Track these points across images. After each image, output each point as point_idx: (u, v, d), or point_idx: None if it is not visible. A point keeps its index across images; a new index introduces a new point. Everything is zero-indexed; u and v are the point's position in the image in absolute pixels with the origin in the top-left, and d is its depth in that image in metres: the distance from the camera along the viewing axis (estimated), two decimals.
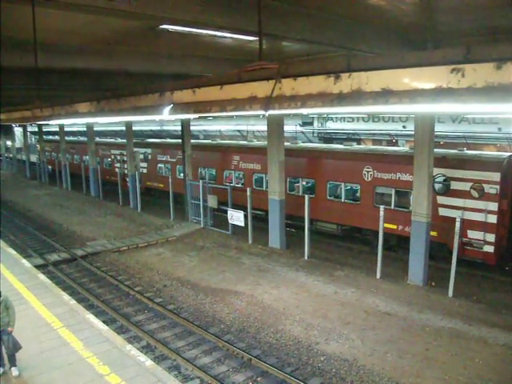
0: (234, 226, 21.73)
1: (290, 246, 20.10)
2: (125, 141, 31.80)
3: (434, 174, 16.18)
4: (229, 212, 21.35)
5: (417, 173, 15.27)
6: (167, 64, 16.56)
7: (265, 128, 23.18)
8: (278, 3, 10.16)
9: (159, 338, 12.18)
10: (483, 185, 15.90)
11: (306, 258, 18.37)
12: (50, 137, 55.94)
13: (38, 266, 16.75)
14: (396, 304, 13.88)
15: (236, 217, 20.84)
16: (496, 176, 15.71)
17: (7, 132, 59.72)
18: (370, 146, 27.90)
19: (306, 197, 18.23)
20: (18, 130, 60.78)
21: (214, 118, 40.29)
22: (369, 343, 11.58)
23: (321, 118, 37.38)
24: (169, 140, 35.66)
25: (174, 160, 29.77)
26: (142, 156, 32.89)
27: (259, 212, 22.59)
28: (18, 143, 62.01)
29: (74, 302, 12.74)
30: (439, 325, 12.49)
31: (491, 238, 15.82)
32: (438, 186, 16.93)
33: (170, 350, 11.44)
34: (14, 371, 8.82)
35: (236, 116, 36.27)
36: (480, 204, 15.95)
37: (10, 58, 13.85)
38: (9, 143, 63.58)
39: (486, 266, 16.42)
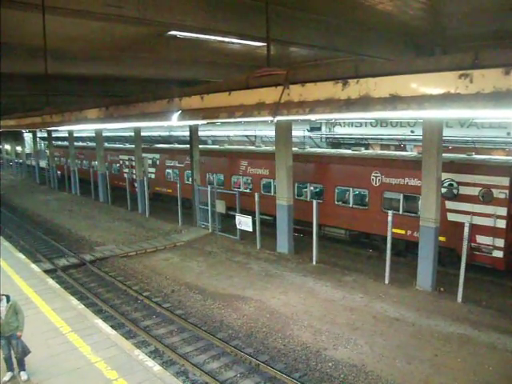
0: (242, 231, 21.73)
1: (298, 251, 20.07)
2: (133, 146, 31.97)
3: (443, 179, 16.12)
4: (237, 217, 21.36)
5: (425, 178, 15.23)
6: (175, 70, 16.65)
7: (273, 133, 23.23)
8: (285, 9, 10.20)
9: (167, 343, 12.19)
10: (492, 189, 15.82)
11: (314, 263, 18.33)
12: (59, 142, 56.26)
13: (46, 271, 16.88)
14: (404, 309, 13.82)
15: (244, 222, 20.84)
16: (505, 181, 15.63)
17: (17, 138, 60.19)
18: (378, 151, 27.82)
19: (314, 202, 18.22)
20: (27, 136, 61.22)
21: (222, 123, 40.35)
22: (377, 349, 11.54)
23: (329, 123, 37.31)
24: (177, 145, 35.76)
25: (182, 165, 29.88)
26: (150, 161, 33.04)
27: (267, 217, 22.60)
28: (28, 149, 62.45)
29: (83, 306, 12.82)
30: (448, 330, 12.41)
31: (500, 243, 15.72)
32: (446, 191, 16.86)
33: (178, 355, 11.44)
34: (23, 375, 8.88)
35: (244, 122, 36.34)
36: (489, 209, 15.87)
37: (19, 65, 13.99)
38: (19, 149, 64.05)
39: (496, 271, 16.31)
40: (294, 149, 21.15)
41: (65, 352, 9.97)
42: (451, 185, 16.85)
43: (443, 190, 16.51)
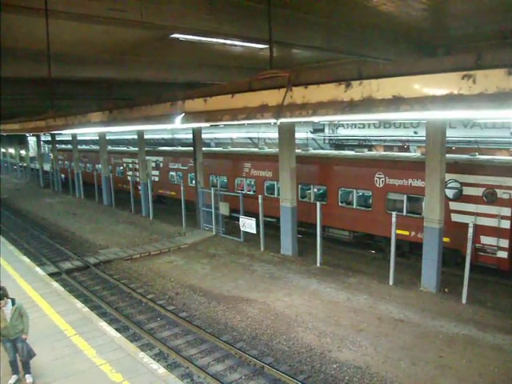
0: (245, 233, 21.73)
1: (302, 253, 20.06)
2: (137, 149, 32.02)
3: (446, 180, 16.08)
4: (241, 219, 21.37)
5: (429, 178, 15.20)
6: (178, 73, 16.67)
7: (276, 135, 23.22)
8: (288, 11, 10.21)
9: (172, 346, 12.19)
10: (496, 190, 15.78)
11: (318, 264, 18.31)
12: (63, 146, 56.43)
13: (51, 274, 16.89)
14: (409, 311, 13.78)
15: (248, 224, 20.84)
16: (509, 181, 15.57)
17: (21, 141, 60.34)
18: (382, 152, 27.79)
19: (318, 203, 18.20)
20: (31, 140, 61.36)
21: (226, 125, 40.35)
22: (382, 350, 11.51)
23: (332, 125, 37.32)
24: (180, 148, 35.82)
25: (186, 168, 29.90)
26: (153, 164, 33.10)
27: (271, 219, 22.59)
28: (32, 152, 62.57)
29: (87, 309, 12.83)
30: (453, 331, 12.38)
31: (505, 243, 15.67)
32: (450, 192, 16.81)
33: (183, 358, 11.44)
34: (28, 378, 8.89)
35: (247, 124, 36.35)
36: (493, 209, 15.82)
37: (23, 69, 14.04)
38: (23, 152, 64.19)
39: (500, 271, 16.25)
40: (297, 150, 21.16)
41: (69, 355, 9.98)
42: (455, 185, 16.79)
43: (447, 191, 16.46)
